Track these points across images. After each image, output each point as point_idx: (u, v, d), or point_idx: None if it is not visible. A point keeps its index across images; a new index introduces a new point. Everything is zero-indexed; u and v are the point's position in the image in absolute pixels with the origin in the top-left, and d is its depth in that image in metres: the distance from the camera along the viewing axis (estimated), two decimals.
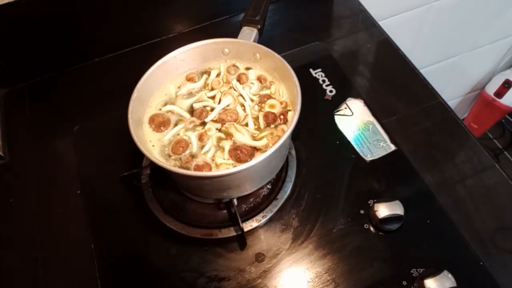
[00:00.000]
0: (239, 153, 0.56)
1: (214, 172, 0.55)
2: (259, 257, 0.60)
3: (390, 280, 0.57)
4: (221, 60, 0.68)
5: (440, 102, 0.74)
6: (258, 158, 0.51)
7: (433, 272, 0.53)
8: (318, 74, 0.80)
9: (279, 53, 0.62)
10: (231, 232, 0.62)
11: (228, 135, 0.59)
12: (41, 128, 0.79)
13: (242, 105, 0.62)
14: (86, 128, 0.77)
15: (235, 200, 0.61)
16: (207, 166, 0.56)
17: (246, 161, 0.56)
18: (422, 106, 0.74)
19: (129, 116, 0.56)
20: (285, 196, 0.65)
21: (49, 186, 0.70)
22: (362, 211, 0.62)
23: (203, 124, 0.61)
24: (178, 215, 0.64)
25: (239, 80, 0.65)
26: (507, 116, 1.64)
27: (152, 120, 0.61)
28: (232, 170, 0.51)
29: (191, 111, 0.63)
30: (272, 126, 0.60)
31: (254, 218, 0.62)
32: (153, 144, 0.59)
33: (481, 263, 0.57)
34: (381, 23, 0.89)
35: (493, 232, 0.60)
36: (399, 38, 0.87)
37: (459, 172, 0.66)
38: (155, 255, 0.62)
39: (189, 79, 0.66)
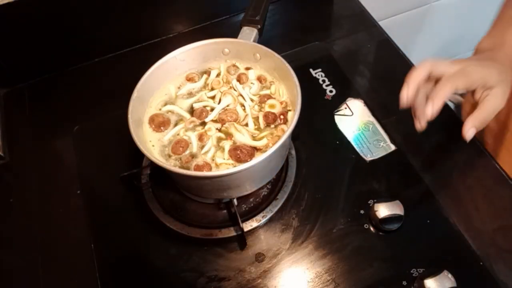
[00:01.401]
0: (239, 153, 0.56)
1: (214, 172, 0.55)
2: (259, 257, 0.60)
3: (390, 280, 0.57)
4: (221, 60, 0.68)
5: None
6: (258, 158, 0.51)
7: (433, 272, 0.53)
8: (318, 74, 0.80)
9: (279, 53, 0.62)
10: (231, 232, 0.62)
11: (228, 135, 0.59)
12: (41, 128, 0.79)
13: (242, 105, 0.62)
14: (86, 128, 0.77)
15: (235, 200, 0.61)
16: (207, 166, 0.56)
17: (246, 161, 0.56)
18: None
19: (129, 116, 0.56)
20: (285, 196, 0.65)
21: (49, 186, 0.70)
22: (362, 211, 0.62)
23: (203, 124, 0.61)
24: (178, 215, 0.64)
25: (239, 80, 0.65)
26: None
27: (152, 120, 0.61)
28: (232, 170, 0.51)
29: (191, 111, 0.63)
30: (272, 126, 0.60)
31: (254, 218, 0.62)
32: (153, 144, 0.59)
33: (481, 263, 0.57)
34: (381, 23, 0.89)
35: (493, 232, 0.60)
36: (399, 38, 0.87)
37: (459, 172, 0.66)
38: (155, 255, 0.62)
39: (189, 79, 0.66)
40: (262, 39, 0.68)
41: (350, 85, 0.78)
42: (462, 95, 0.72)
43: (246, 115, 0.61)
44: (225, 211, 0.64)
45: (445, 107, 0.74)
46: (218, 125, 0.60)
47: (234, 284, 0.58)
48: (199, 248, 0.61)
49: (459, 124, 0.71)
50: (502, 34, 0.60)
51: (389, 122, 0.72)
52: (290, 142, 0.68)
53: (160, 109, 0.63)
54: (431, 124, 0.72)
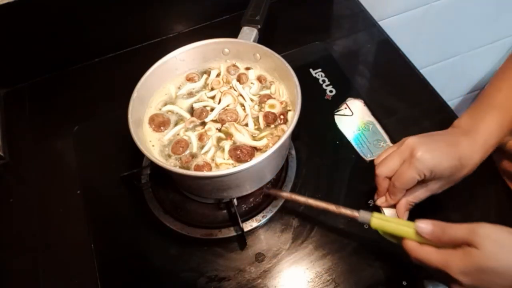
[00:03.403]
0: (239, 153, 0.56)
1: (214, 172, 0.55)
2: (259, 257, 0.60)
3: (390, 280, 0.57)
4: (221, 60, 0.68)
5: (440, 102, 0.74)
6: (258, 158, 0.51)
7: (433, 272, 0.53)
8: (318, 74, 0.80)
9: (279, 53, 0.62)
10: (231, 232, 0.62)
11: (228, 135, 0.59)
12: (41, 128, 0.79)
13: (242, 105, 0.62)
14: (86, 128, 0.77)
15: (235, 200, 0.61)
16: (207, 166, 0.56)
17: (246, 161, 0.56)
18: (422, 106, 0.74)
19: (129, 116, 0.56)
20: None
21: (49, 186, 0.70)
22: None
23: (203, 124, 0.61)
24: (178, 215, 0.64)
25: (239, 80, 0.65)
26: None
27: (152, 120, 0.61)
28: (232, 170, 0.51)
29: (191, 111, 0.63)
30: (272, 126, 0.60)
31: (254, 218, 0.62)
32: (153, 144, 0.59)
33: None
34: (381, 23, 0.89)
35: None
36: (399, 38, 0.87)
37: None
38: (155, 255, 0.62)
39: (189, 79, 0.66)
40: (262, 39, 0.68)
41: (350, 85, 0.78)
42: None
43: (246, 115, 0.61)
44: (225, 211, 0.64)
45: (445, 107, 0.74)
46: (218, 125, 0.60)
47: (234, 284, 0.58)
48: (199, 248, 0.61)
49: None
50: (480, 119, 0.58)
51: (389, 122, 0.72)
52: (290, 142, 0.68)
53: (160, 109, 0.63)
54: (431, 124, 0.73)
